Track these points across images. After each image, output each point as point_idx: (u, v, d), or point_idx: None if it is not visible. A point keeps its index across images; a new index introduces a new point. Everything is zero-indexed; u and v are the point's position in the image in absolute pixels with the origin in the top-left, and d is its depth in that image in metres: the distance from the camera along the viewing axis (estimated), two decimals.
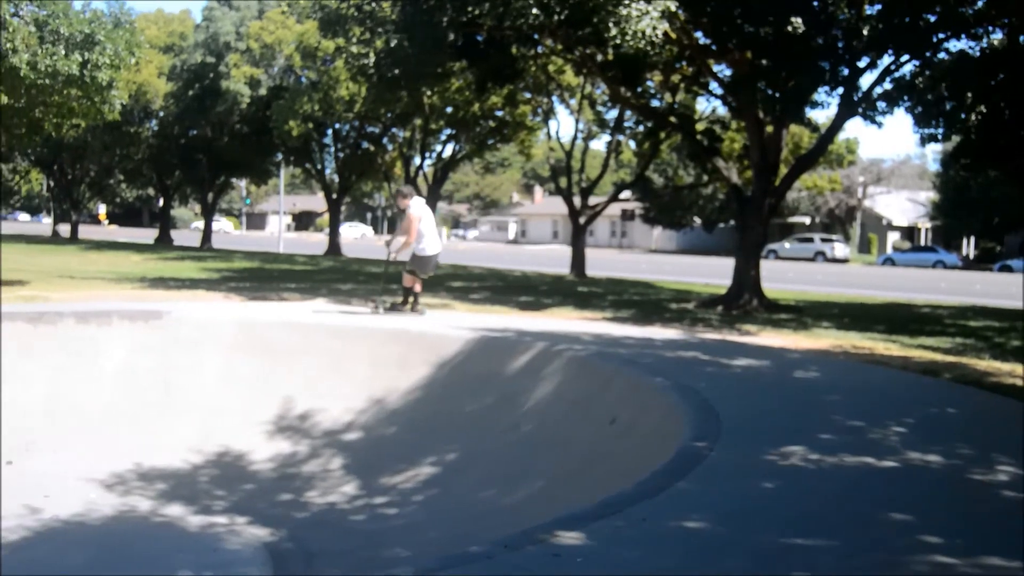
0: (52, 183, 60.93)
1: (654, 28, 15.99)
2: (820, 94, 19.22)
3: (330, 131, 43.25)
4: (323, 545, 8.29)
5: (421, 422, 10.87)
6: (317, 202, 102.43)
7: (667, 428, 7.79)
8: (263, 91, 41.88)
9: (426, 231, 13.99)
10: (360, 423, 11.24)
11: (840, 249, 61.71)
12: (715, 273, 33.27)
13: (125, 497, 9.79)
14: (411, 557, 7.27)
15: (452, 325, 13.42)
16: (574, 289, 23.67)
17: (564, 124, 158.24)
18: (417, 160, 41.60)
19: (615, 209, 55.03)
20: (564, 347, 11.39)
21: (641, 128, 31.26)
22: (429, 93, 33.32)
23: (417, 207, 13.89)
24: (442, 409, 10.91)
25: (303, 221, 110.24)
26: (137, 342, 12.54)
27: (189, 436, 11.21)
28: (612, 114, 32.43)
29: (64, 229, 58.92)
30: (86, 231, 64.89)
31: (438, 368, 11.66)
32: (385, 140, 42.19)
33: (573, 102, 33.17)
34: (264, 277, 24.03)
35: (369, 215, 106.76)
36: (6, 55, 16.69)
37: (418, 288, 14.34)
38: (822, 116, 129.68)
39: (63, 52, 17.06)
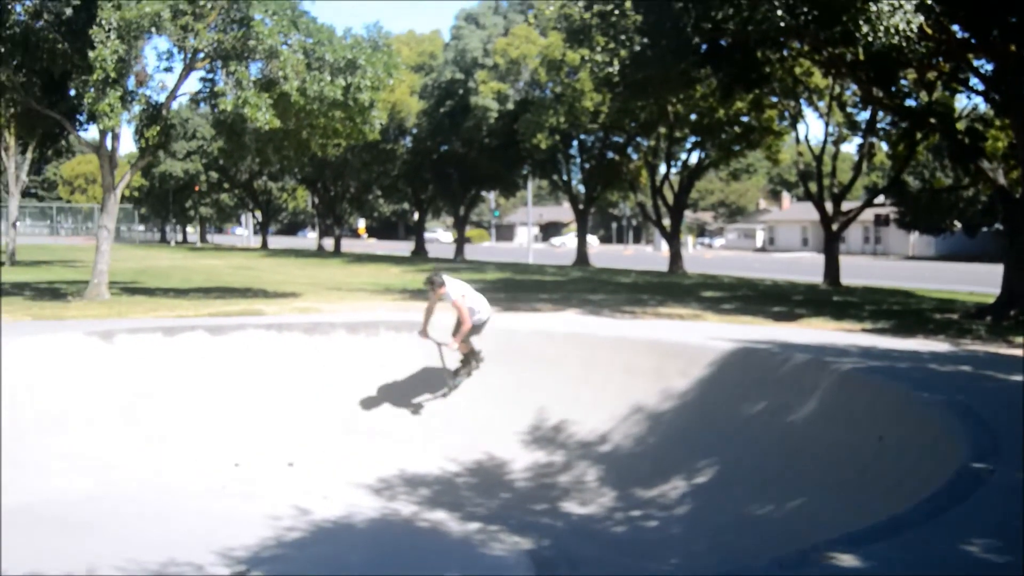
0: (316, 200, 64.73)
1: (908, 23, 15.25)
2: None
3: (575, 142, 43.76)
4: (584, 554, 8.37)
5: (678, 434, 10.79)
6: (563, 213, 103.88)
7: (940, 447, 7.40)
8: (510, 105, 42.99)
9: (472, 301, 12.73)
10: (615, 434, 11.28)
11: None
12: (980, 281, 31.30)
13: (390, 502, 10.25)
14: (676, 569, 7.23)
15: (706, 336, 13.25)
16: (829, 298, 22.88)
17: (813, 127, 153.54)
18: (662, 168, 41.43)
19: (868, 214, 52.71)
20: (824, 359, 11.02)
21: (895, 129, 29.88)
22: (674, 100, 33.12)
23: (455, 289, 12.55)
24: (699, 421, 10.79)
25: (550, 232, 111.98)
26: (401, 352, 13.07)
27: (449, 444, 11.62)
28: (864, 115, 31.21)
29: (328, 243, 62.46)
30: (347, 244, 68.58)
31: (694, 380, 11.52)
32: (630, 149, 42.26)
33: (822, 104, 32.14)
34: (516, 288, 24.58)
35: (615, 225, 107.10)
36: (278, 82, 17.91)
37: (467, 348, 12.90)
38: None
39: (328, 77, 18.15)
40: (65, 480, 10.27)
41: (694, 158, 40.90)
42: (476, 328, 12.58)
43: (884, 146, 33.36)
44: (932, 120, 22.88)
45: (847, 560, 4.58)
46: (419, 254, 54.57)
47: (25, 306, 17.36)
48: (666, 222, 41.09)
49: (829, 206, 30.82)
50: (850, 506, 7.64)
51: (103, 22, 16.68)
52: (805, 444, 9.41)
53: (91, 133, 34.27)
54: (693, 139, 39.79)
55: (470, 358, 12.78)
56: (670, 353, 12.25)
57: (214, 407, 12.04)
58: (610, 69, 27.55)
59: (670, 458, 10.28)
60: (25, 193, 51.44)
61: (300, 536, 8.86)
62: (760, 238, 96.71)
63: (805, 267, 44.66)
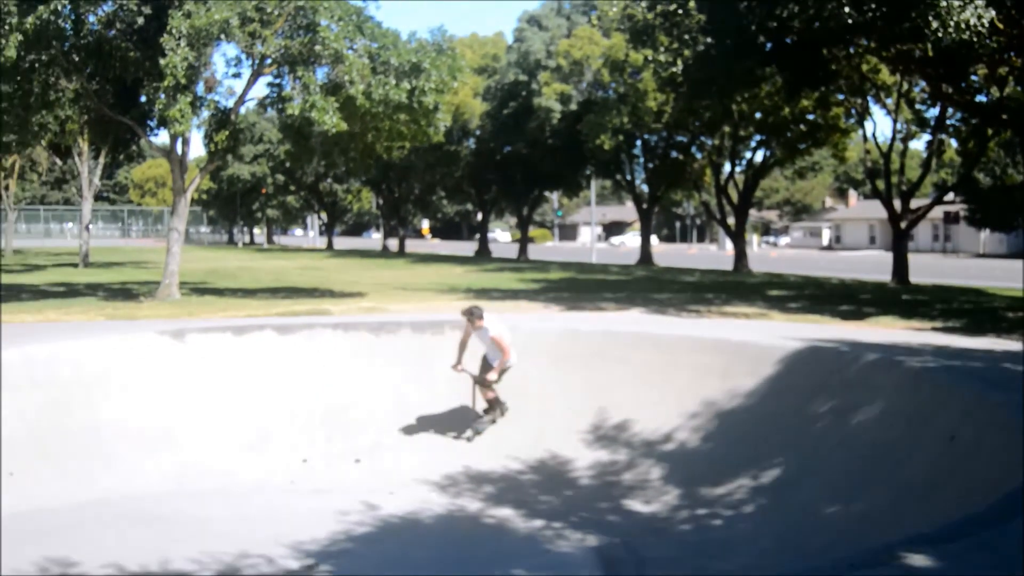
0: (381, 201, 65.30)
1: (979, 18, 14.96)
2: None
3: (639, 142, 43.60)
4: (651, 552, 8.37)
5: (744, 433, 10.73)
6: (626, 212, 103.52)
7: (1013, 447, 7.27)
8: (573, 106, 43.00)
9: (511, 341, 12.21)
10: (680, 433, 11.24)
11: None
12: None
13: (456, 498, 10.36)
14: (744, 568, 7.20)
15: (773, 335, 13.15)
16: (897, 297, 22.52)
17: (880, 124, 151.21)
18: (727, 167, 41.11)
19: (937, 212, 51.81)
20: (893, 358, 10.88)
21: (965, 125, 29.30)
22: (738, 99, 32.84)
23: (496, 324, 12.19)
24: (766, 421, 10.71)
25: (613, 231, 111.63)
26: (467, 351, 13.11)
27: (514, 441, 11.66)
28: (933, 112, 30.66)
29: (392, 244, 62.99)
30: (411, 245, 69.06)
31: (761, 378, 11.42)
32: (694, 149, 41.99)
33: (890, 101, 31.61)
34: (580, 287, 24.58)
35: (678, 224, 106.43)
36: (344, 86, 18.14)
37: (492, 395, 12.28)
38: None
39: (393, 81, 18.31)
40: (140, 476, 10.54)
41: (759, 156, 40.50)
42: (504, 373, 12.07)
43: (954, 143, 32.78)
44: (1004, 116, 22.42)
45: (919, 560, 4.54)
46: (483, 254, 54.73)
47: (99, 306, 17.79)
48: (731, 221, 40.77)
49: (897, 204, 30.33)
50: (920, 507, 7.56)
51: (173, 30, 17.03)
52: (874, 444, 9.30)
53: (162, 138, 35.22)
54: (758, 138, 39.39)
55: (495, 405, 12.18)
56: (736, 352, 12.17)
57: (283, 404, 12.24)
58: (674, 69, 27.45)
59: (736, 457, 10.23)
60: (97, 197, 52.66)
61: (368, 531, 8.99)
62: (826, 236, 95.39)
63: (872, 265, 43.98)
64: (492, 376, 12.00)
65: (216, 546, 8.17)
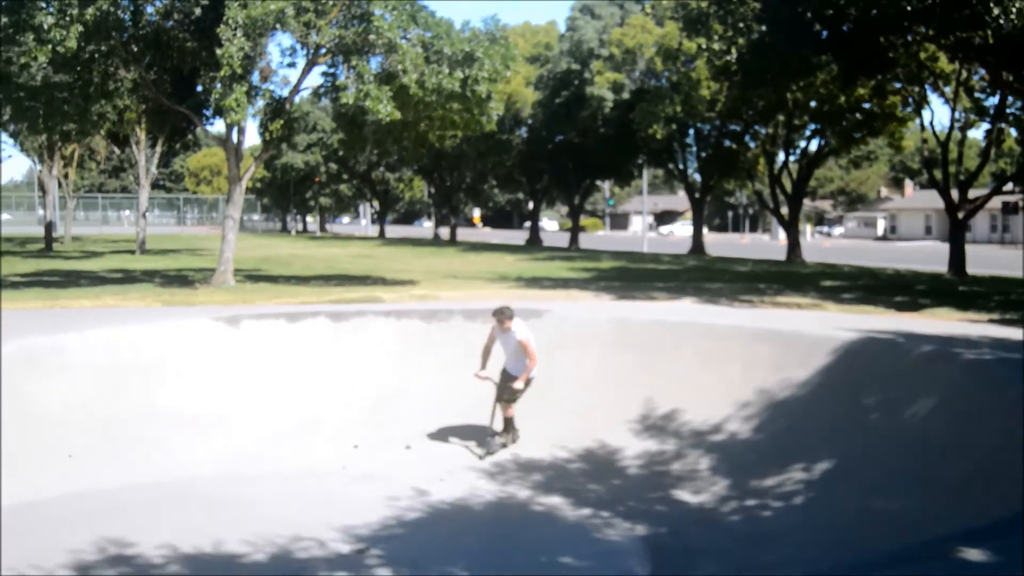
0: (432, 189, 65.54)
1: None
2: None
3: (692, 131, 43.31)
4: (700, 543, 8.36)
5: (795, 424, 10.64)
6: (678, 201, 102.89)
7: None
8: (625, 95, 42.80)
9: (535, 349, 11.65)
10: (730, 423, 11.17)
11: None
12: None
13: (505, 486, 10.40)
14: (795, 560, 7.16)
15: (827, 325, 13.02)
16: (954, 288, 22.18)
17: (938, 113, 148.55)
18: (781, 156, 40.68)
19: (996, 202, 50.85)
20: (949, 350, 10.72)
21: None
22: (793, 88, 32.47)
23: (523, 328, 11.62)
24: (818, 412, 10.60)
25: (665, 220, 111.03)
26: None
27: (564, 430, 11.67)
28: (992, 101, 30.07)
29: (444, 232, 63.20)
30: (463, 233, 69.20)
31: (814, 369, 11.28)
32: (747, 138, 41.61)
33: (948, 90, 31.06)
34: (631, 277, 24.51)
35: (730, 213, 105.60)
36: (397, 75, 18.23)
37: (511, 413, 11.75)
38: None
39: (447, 70, 18.37)
40: (194, 459, 10.72)
41: (813, 146, 40.01)
42: (529, 384, 11.55)
43: (1013, 132, 32.04)
44: None
45: (974, 555, 4.49)
46: (534, 243, 54.70)
47: (156, 292, 18.09)
48: (784, 210, 40.37)
49: (955, 194, 29.81)
50: (974, 502, 7.46)
51: (230, 20, 17.22)
52: (928, 437, 9.19)
53: (218, 127, 35.65)
54: (813, 126, 38.92)
55: (509, 428, 11.65)
56: (788, 342, 12.04)
57: (335, 390, 12.38)
58: (728, 57, 27.26)
59: (787, 448, 10.15)
60: (154, 185, 53.40)
61: (418, 517, 9.07)
62: (881, 227, 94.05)
63: (929, 256, 43.35)
64: (518, 385, 11.45)
65: (268, 529, 8.30)
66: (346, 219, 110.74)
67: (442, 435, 11.85)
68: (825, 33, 20.80)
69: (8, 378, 10.56)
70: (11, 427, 10.07)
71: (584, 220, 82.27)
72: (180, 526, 8.45)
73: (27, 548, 7.79)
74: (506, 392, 11.55)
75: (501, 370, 11.72)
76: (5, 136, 41.12)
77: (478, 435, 11.74)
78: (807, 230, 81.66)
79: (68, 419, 10.59)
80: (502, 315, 11.51)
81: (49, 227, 41.13)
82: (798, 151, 40.75)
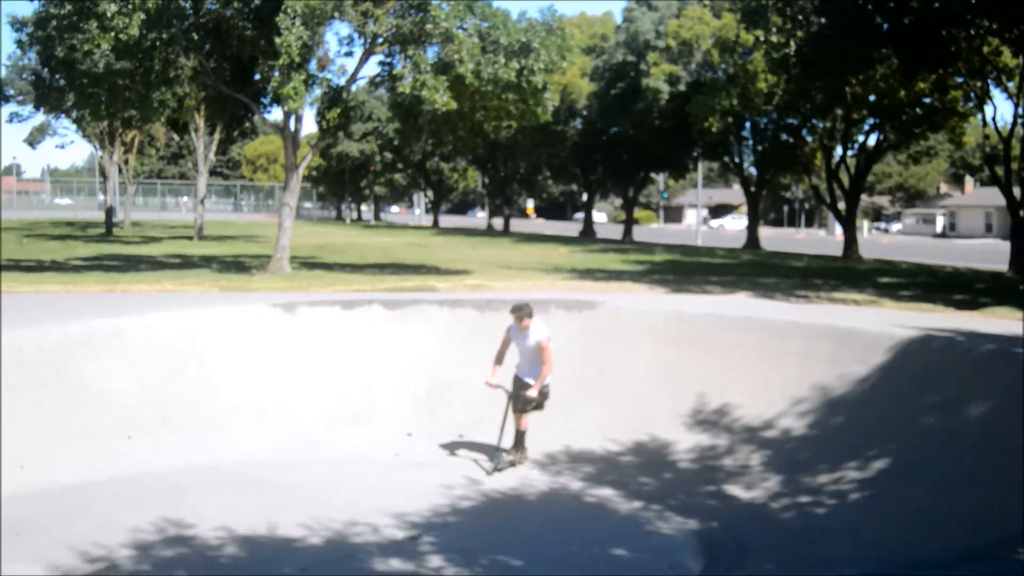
0: (487, 180, 65.66)
1: None
2: None
3: (748, 124, 42.92)
4: (753, 539, 8.31)
5: (850, 422, 10.52)
6: (733, 195, 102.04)
7: None
8: (681, 87, 42.50)
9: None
10: (784, 419, 11.06)
11: None
12: None
13: (557, 476, 10.43)
14: (849, 558, 7.10)
15: (884, 322, 12.86)
16: (1015, 287, 21.78)
17: (1001, 108, 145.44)
18: (838, 151, 40.18)
19: None
20: (1010, 350, 10.51)
21: None
22: (852, 81, 32.05)
23: (541, 329, 10.85)
24: (874, 410, 10.46)
25: (719, 214, 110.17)
26: (573, 330, 13.17)
27: (616, 422, 11.64)
28: None
29: (497, 222, 63.31)
30: (516, 224, 69.26)
31: (871, 367, 11.12)
32: (805, 131, 41.14)
33: (1011, 85, 30.47)
34: (685, 270, 24.38)
35: (786, 208, 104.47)
36: (454, 65, 18.27)
37: (525, 426, 10.99)
38: None
39: (503, 60, 18.38)
40: (250, 443, 10.88)
41: (872, 140, 39.52)
42: (546, 392, 10.87)
43: None
44: None
45: None
46: (587, 235, 54.60)
47: (213, 278, 18.34)
48: (841, 206, 39.88)
49: (1017, 191, 29.28)
50: None
51: (288, 9, 17.39)
52: (988, 439, 9.02)
53: (275, 115, 35.97)
54: (871, 121, 38.40)
55: (520, 445, 10.91)
56: (845, 338, 11.87)
57: (389, 378, 12.47)
58: (786, 50, 26.99)
59: (841, 446, 10.03)
60: (212, 172, 54.20)
61: (471, 505, 9.14)
62: (940, 223, 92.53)
63: (989, 254, 42.58)
64: (532, 393, 10.62)
65: (322, 513, 8.41)
66: (395, 208, 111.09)
67: (495, 424, 11.87)
68: (886, 26, 20.53)
69: (69, 360, 10.80)
70: (72, 408, 10.30)
71: (638, 213, 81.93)
72: (236, 509, 8.59)
73: (89, 527, 7.97)
74: (519, 401, 10.77)
75: (513, 376, 11.00)
76: (68, 122, 41.93)
77: (536, 422, 11.72)
78: (864, 226, 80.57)
79: (127, 401, 10.80)
80: (521, 312, 10.77)
81: (109, 212, 41.93)
82: (856, 146, 40.25)
